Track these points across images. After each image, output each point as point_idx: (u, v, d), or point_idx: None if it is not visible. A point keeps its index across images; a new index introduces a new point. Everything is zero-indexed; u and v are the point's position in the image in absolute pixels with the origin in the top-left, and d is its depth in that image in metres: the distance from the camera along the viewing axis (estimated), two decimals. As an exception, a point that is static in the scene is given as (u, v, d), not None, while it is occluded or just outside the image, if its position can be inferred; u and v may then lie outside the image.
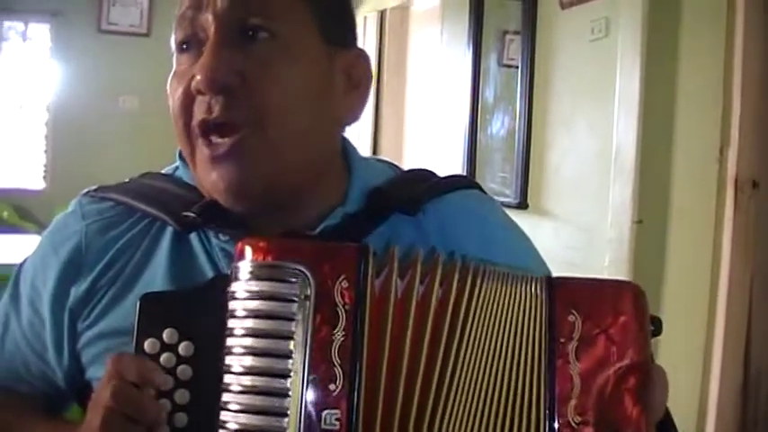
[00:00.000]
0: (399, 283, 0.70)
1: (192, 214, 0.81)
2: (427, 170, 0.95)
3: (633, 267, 2.61)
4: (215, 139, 0.78)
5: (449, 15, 4.03)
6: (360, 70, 0.86)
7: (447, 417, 0.68)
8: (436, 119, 4.11)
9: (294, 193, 0.82)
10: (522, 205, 3.29)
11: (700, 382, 2.46)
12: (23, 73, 5.89)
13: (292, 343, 0.66)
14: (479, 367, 0.69)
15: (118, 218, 0.87)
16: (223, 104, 0.77)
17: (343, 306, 0.68)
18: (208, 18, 0.78)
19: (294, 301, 0.67)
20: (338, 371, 0.66)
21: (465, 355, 0.69)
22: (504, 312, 0.71)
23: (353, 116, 0.86)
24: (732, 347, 2.41)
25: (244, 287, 0.68)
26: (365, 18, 4.87)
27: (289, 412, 0.65)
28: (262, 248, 0.69)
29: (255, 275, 0.68)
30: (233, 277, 0.69)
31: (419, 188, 0.89)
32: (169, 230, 0.85)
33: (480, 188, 0.97)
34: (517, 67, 3.34)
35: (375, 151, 4.77)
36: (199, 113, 0.78)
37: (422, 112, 4.55)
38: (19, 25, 5.86)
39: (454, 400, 0.68)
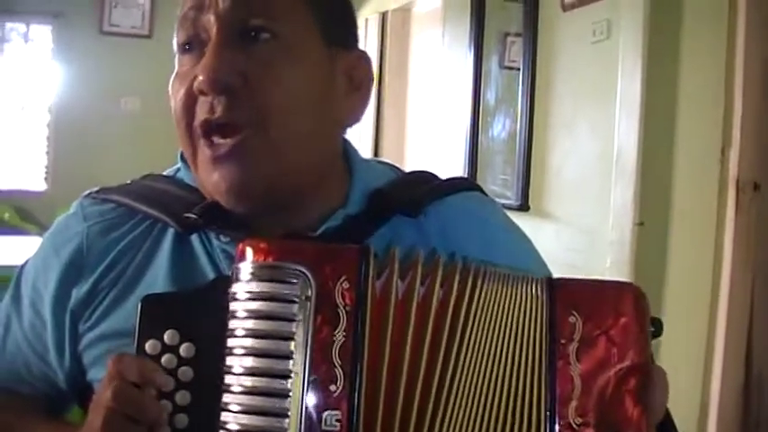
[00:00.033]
0: (400, 284, 0.70)
1: (194, 216, 0.81)
2: (428, 172, 0.95)
3: (634, 269, 2.60)
4: (217, 139, 0.78)
5: (450, 17, 4.02)
6: (361, 72, 0.86)
7: (448, 417, 0.68)
8: (437, 121, 4.11)
9: (295, 194, 0.82)
10: (524, 207, 3.29)
11: (701, 383, 2.45)
12: (25, 74, 5.88)
13: (293, 344, 0.66)
14: (480, 368, 0.69)
15: (119, 219, 0.87)
16: (225, 105, 0.77)
17: (344, 307, 0.68)
18: (210, 19, 0.78)
19: (295, 302, 0.67)
20: (339, 372, 0.66)
21: (465, 355, 0.69)
22: (505, 313, 0.71)
23: (355, 117, 0.86)
24: (733, 349, 2.41)
25: (245, 288, 0.68)
26: (366, 20, 4.86)
27: (289, 413, 0.65)
28: (263, 249, 0.69)
29: (256, 276, 0.68)
30: (234, 278, 0.69)
31: (420, 190, 0.89)
32: (170, 232, 0.85)
33: (481, 190, 0.97)
34: (518, 69, 3.34)
35: (376, 153, 4.77)
36: (201, 114, 0.78)
37: (423, 114, 4.54)
38: (21, 27, 5.86)
39: (455, 401, 0.68)
